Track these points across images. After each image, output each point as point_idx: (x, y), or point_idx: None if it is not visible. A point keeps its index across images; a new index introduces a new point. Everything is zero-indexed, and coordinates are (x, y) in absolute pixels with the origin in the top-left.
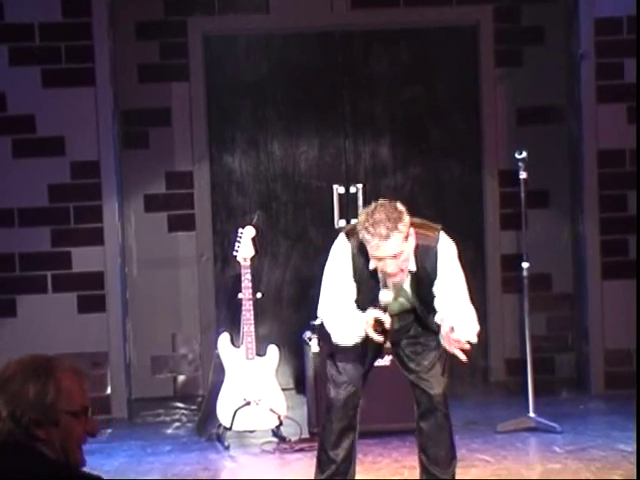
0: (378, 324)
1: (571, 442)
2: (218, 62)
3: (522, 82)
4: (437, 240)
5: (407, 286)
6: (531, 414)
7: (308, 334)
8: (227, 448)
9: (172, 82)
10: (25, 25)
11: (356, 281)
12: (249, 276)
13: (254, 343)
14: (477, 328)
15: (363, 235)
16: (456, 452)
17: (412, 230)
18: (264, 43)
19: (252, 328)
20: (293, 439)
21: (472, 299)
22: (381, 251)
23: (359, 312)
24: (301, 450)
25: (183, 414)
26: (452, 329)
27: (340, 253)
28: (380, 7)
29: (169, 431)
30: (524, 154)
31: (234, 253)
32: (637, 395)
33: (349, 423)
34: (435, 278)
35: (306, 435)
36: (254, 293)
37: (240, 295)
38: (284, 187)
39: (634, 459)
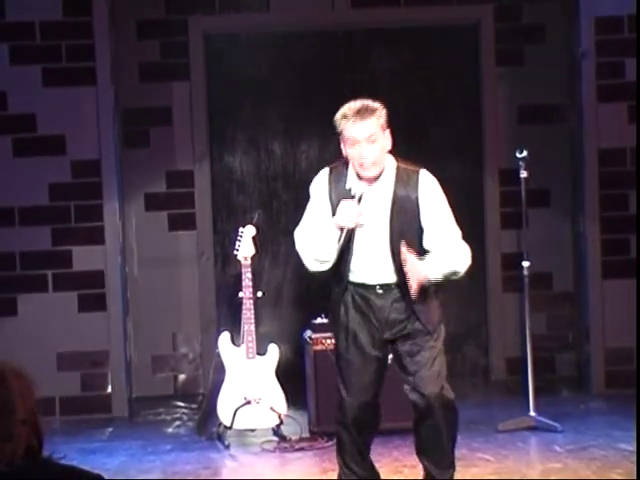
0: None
1: (572, 441)
2: (219, 61)
3: (523, 81)
4: (419, 171)
5: (385, 214)
6: (532, 413)
7: (308, 333)
8: (227, 447)
9: (173, 81)
10: (26, 24)
11: (332, 203)
12: (249, 275)
13: (254, 342)
14: (467, 261)
15: (340, 122)
16: (454, 458)
17: (388, 133)
18: (265, 42)
19: (252, 327)
20: (293, 438)
21: (465, 237)
22: (357, 130)
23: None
24: (301, 449)
25: (184, 413)
26: (406, 260)
27: (318, 179)
28: (381, 6)
29: (170, 430)
30: (525, 153)
31: (235, 252)
32: (637, 394)
33: (364, 443)
34: (417, 209)
35: (306, 434)
36: (255, 292)
37: (240, 294)
38: (285, 186)
39: (635, 458)
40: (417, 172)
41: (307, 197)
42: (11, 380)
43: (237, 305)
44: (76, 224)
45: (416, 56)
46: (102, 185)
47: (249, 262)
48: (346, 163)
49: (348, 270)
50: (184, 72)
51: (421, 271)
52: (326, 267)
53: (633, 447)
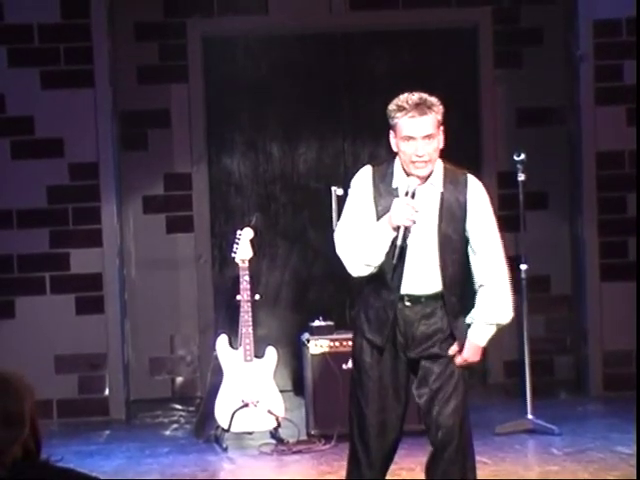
0: (406, 212)
1: (569, 444)
2: (217, 64)
3: (521, 83)
4: (466, 173)
5: (433, 217)
6: (529, 416)
7: (306, 336)
8: (225, 450)
9: (171, 84)
10: (24, 26)
11: (376, 203)
12: (247, 278)
13: (252, 345)
14: (510, 314)
15: (395, 114)
16: None
17: (441, 131)
18: (263, 44)
19: (250, 330)
20: (291, 441)
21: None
22: (414, 125)
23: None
24: (299, 452)
25: (181, 416)
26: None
27: (360, 176)
28: (379, 9)
29: (167, 432)
30: (523, 156)
31: (232, 255)
32: (637, 397)
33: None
34: (464, 214)
35: (304, 437)
36: (252, 295)
37: (238, 297)
38: (283, 189)
39: (633, 461)
40: (465, 174)
41: (305, 199)
42: (23, 392)
43: (235, 308)
44: (74, 226)
45: (415, 59)
46: (100, 188)
47: (247, 265)
48: (389, 161)
49: (399, 282)
50: (182, 74)
51: (476, 353)
52: (370, 272)
53: (631, 450)
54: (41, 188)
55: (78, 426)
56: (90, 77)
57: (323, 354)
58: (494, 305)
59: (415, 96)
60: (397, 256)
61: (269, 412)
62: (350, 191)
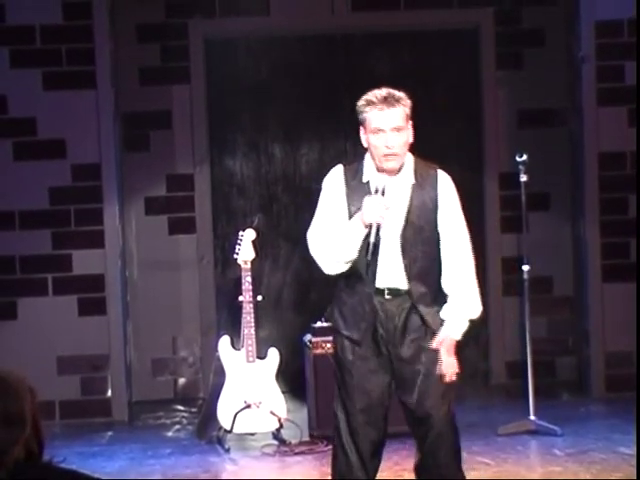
0: (376, 210)
1: (571, 445)
2: (219, 65)
3: (523, 85)
4: (437, 168)
5: (403, 211)
6: (532, 417)
7: (308, 337)
8: (227, 451)
9: (173, 85)
10: (26, 27)
11: (349, 200)
12: (249, 279)
13: (254, 346)
14: (479, 308)
15: (364, 108)
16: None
17: (410, 125)
18: (265, 46)
19: (252, 331)
20: (293, 442)
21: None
22: (383, 118)
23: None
24: (301, 453)
25: (184, 417)
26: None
27: (331, 175)
28: (381, 10)
29: (170, 434)
30: (525, 157)
31: (235, 256)
32: (637, 398)
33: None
34: (435, 209)
35: (306, 438)
36: (255, 296)
37: (241, 298)
38: (285, 190)
39: (634, 462)
40: (435, 169)
41: (307, 200)
42: (23, 392)
43: (237, 309)
44: (76, 228)
45: (416, 60)
46: (102, 189)
47: (249, 266)
48: (359, 159)
49: (374, 276)
50: (184, 76)
51: (452, 346)
52: (344, 269)
53: (633, 450)
54: (43, 189)
55: (80, 427)
56: (92, 78)
57: (325, 355)
58: (465, 300)
59: (383, 91)
60: (371, 252)
61: (271, 413)
62: (322, 191)
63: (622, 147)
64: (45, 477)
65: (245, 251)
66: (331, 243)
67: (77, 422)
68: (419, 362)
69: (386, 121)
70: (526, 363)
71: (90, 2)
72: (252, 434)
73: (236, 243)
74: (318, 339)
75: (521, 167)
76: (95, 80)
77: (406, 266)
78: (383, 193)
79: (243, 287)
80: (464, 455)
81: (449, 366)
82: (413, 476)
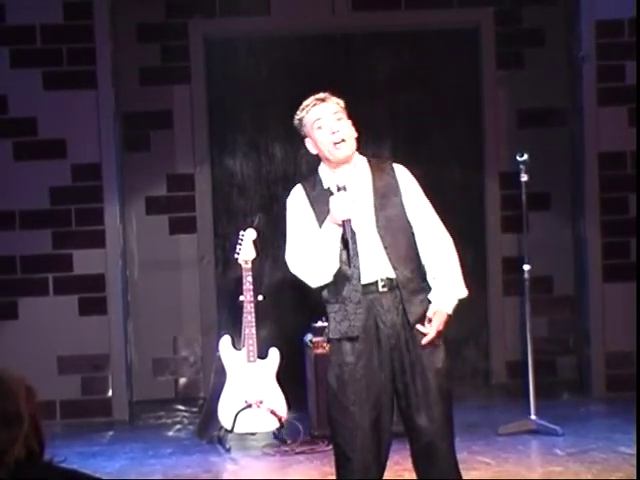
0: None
1: (572, 445)
2: (219, 65)
3: (523, 84)
4: (390, 161)
5: (369, 204)
6: (532, 416)
7: (309, 336)
8: (228, 450)
9: (173, 85)
10: (26, 27)
11: (315, 211)
12: (250, 279)
13: (255, 345)
14: (464, 287)
15: (300, 116)
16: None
17: (351, 124)
18: (265, 45)
19: (253, 330)
20: (294, 442)
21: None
22: (320, 109)
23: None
24: (302, 453)
25: (184, 416)
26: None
27: (293, 194)
28: (381, 9)
29: (170, 433)
30: (525, 156)
31: (235, 256)
32: (637, 398)
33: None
34: (399, 195)
35: (307, 438)
36: (255, 296)
37: (241, 298)
38: (285, 190)
39: (635, 461)
40: (389, 162)
41: None
42: (17, 389)
43: (238, 309)
44: (77, 227)
45: (416, 60)
46: (103, 188)
47: (250, 266)
48: (313, 173)
49: (358, 274)
50: (184, 75)
51: (444, 321)
52: (331, 277)
53: (633, 450)
54: (44, 189)
55: (81, 427)
56: (92, 78)
57: (326, 355)
58: (451, 277)
59: (316, 95)
60: (351, 248)
61: (272, 413)
62: (287, 212)
63: (622, 147)
64: (46, 477)
65: (246, 251)
66: (311, 255)
67: (78, 422)
68: (417, 354)
69: (324, 110)
70: (527, 363)
71: (90, 2)
72: (253, 434)
73: (237, 243)
74: (319, 339)
75: (521, 167)
76: (95, 80)
77: (388, 253)
78: (345, 189)
79: (244, 287)
80: (464, 455)
81: (435, 337)
82: (414, 476)
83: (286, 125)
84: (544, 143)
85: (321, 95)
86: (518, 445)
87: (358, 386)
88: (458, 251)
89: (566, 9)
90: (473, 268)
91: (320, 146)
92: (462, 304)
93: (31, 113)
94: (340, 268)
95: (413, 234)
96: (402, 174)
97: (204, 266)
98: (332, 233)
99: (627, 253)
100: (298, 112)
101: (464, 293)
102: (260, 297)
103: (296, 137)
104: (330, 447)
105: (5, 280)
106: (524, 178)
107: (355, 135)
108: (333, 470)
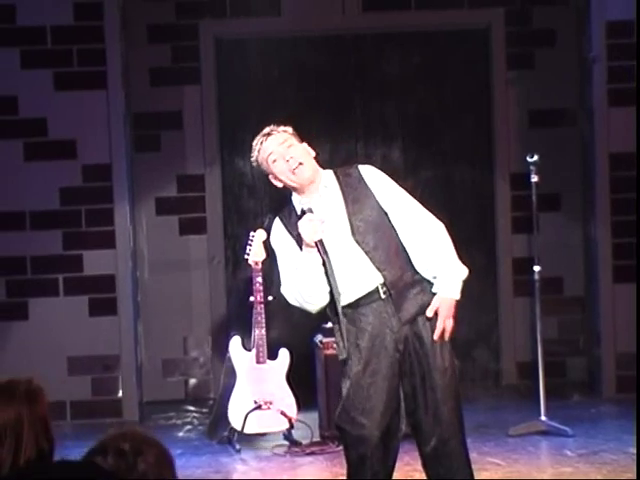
0: (313, 228)
1: (582, 446)
2: (230, 65)
3: (533, 85)
4: (356, 165)
5: (343, 216)
6: (542, 417)
7: (319, 337)
8: (238, 451)
9: (184, 85)
10: (37, 28)
11: (298, 243)
12: (260, 279)
13: (265, 346)
14: (463, 267)
15: (256, 157)
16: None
17: (304, 143)
18: (275, 46)
19: (263, 331)
20: (304, 442)
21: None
22: (269, 143)
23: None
24: (312, 453)
25: (194, 417)
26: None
27: (274, 229)
28: (391, 10)
29: (180, 434)
30: (535, 157)
31: (245, 256)
32: (637, 398)
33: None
34: (373, 197)
35: (317, 438)
36: (265, 296)
37: (251, 298)
38: None
39: None
40: (355, 167)
41: None
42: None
43: (248, 309)
44: (87, 228)
45: (427, 60)
46: (113, 189)
47: (260, 266)
48: (287, 204)
49: (338, 294)
50: (195, 76)
51: (452, 308)
52: (325, 299)
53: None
54: (54, 190)
55: (91, 427)
56: (103, 79)
57: (336, 355)
58: (449, 262)
59: (264, 131)
60: (328, 266)
61: (282, 414)
62: (274, 248)
63: (633, 147)
64: (56, 477)
65: (256, 251)
66: (299, 283)
67: (88, 422)
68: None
69: (272, 144)
70: (537, 364)
71: (101, 3)
72: (263, 434)
73: (247, 243)
74: (329, 339)
75: (532, 167)
76: (106, 81)
77: (371, 258)
78: (311, 210)
79: (254, 287)
80: (474, 456)
81: (447, 327)
82: (424, 476)
83: (296, 126)
84: (554, 144)
85: (266, 130)
86: (528, 446)
87: (371, 393)
88: (463, 248)
89: (576, 10)
90: (483, 269)
91: (281, 177)
92: (472, 305)
93: (41, 114)
94: (333, 290)
95: (395, 229)
96: (369, 174)
97: (214, 267)
98: (310, 257)
99: (637, 254)
100: (252, 155)
101: (465, 272)
102: (270, 298)
103: (305, 138)
104: (340, 447)
105: (15, 280)
106: (534, 179)
107: (312, 154)
108: (343, 471)
